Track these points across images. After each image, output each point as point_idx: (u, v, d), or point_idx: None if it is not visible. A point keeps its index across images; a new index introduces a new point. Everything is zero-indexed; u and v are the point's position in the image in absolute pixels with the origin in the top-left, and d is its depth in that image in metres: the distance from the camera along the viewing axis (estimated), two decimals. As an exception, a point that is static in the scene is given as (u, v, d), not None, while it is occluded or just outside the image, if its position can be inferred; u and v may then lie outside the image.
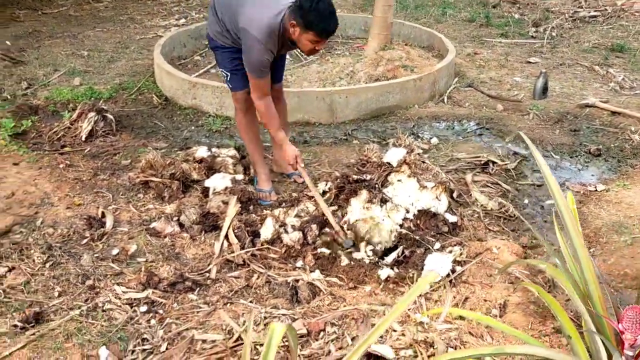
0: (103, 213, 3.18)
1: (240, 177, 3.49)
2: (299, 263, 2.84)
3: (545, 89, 4.87)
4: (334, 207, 3.18)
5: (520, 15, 7.47)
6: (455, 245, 2.88)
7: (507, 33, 6.81)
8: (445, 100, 4.90)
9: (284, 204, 3.31)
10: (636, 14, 7.11)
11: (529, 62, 5.85)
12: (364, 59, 5.23)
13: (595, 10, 7.28)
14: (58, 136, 4.11)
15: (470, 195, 3.33)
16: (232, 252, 2.88)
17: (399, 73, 4.95)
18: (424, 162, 3.42)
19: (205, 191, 3.38)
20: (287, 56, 5.60)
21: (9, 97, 4.85)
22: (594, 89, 5.11)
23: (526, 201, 3.43)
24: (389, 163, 3.31)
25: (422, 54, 5.51)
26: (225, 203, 3.22)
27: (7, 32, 6.72)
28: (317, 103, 4.50)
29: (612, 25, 6.86)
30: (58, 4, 8.31)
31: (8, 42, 6.22)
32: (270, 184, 3.48)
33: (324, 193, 3.27)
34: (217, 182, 3.41)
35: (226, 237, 2.96)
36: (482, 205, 3.25)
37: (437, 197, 3.09)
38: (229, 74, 3.21)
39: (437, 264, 2.65)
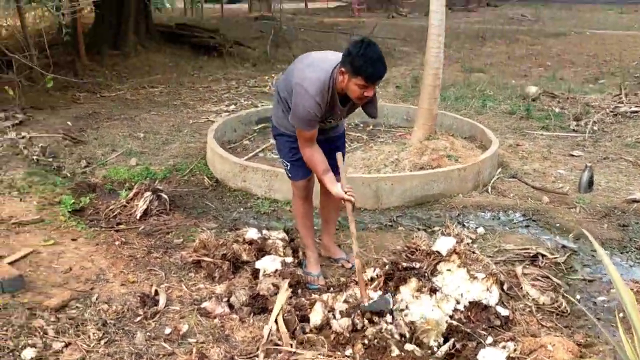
0: (156, 291, 3.25)
1: (290, 259, 3.55)
2: (348, 351, 2.81)
3: (590, 183, 4.87)
4: (381, 293, 3.18)
5: (560, 109, 7.60)
6: (508, 340, 2.82)
7: (548, 126, 6.92)
8: (490, 190, 4.95)
9: (332, 288, 3.33)
10: (678, 110, 7.16)
11: (572, 155, 5.90)
12: (408, 147, 5.37)
13: (637, 106, 7.36)
14: (114, 214, 4.28)
15: (521, 288, 3.29)
16: (281, 337, 2.88)
17: (443, 162, 5.05)
18: (473, 252, 3.42)
19: (255, 273, 3.44)
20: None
21: (68, 174, 5.11)
22: (640, 184, 5.10)
23: (578, 296, 3.36)
24: (438, 252, 3.33)
25: (465, 144, 5.63)
26: (275, 286, 3.26)
27: (68, 113, 7.17)
28: (362, 189, 4.59)
29: (654, 121, 6.92)
30: (116, 88, 8.87)
31: (69, 123, 6.63)
32: (319, 268, 3.53)
33: (372, 279, 3.29)
34: (268, 264, 3.46)
35: (275, 321, 2.97)
36: (533, 299, 3.21)
37: (488, 289, 3.07)
38: (289, 164, 3.36)
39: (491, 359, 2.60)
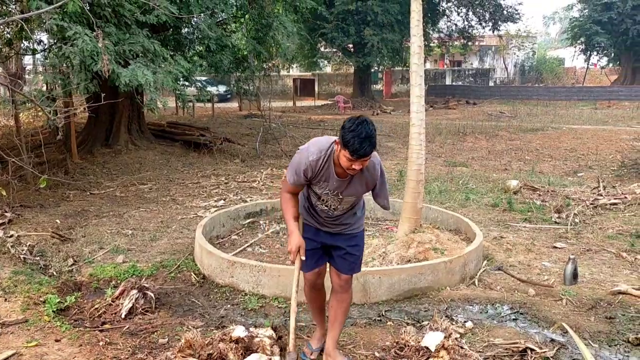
0: (140, 394, 3.16)
1: (276, 358, 3.49)
2: None
3: (575, 275, 4.93)
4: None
5: (541, 202, 7.80)
6: None
7: (531, 218, 7.07)
8: (477, 282, 4.98)
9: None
10: (656, 202, 7.37)
11: (556, 247, 5.99)
12: (395, 240, 5.44)
13: (616, 198, 7.58)
14: (99, 312, 4.23)
15: (512, 384, 3.25)
16: None
17: (429, 255, 5.11)
18: (462, 347, 3.40)
19: (242, 373, 3.36)
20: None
21: (55, 273, 5.08)
22: (624, 275, 5.15)
23: (570, 392, 3.32)
24: (427, 347, 3.31)
25: (450, 237, 5.71)
26: (260, 387, 3.19)
27: (57, 211, 7.22)
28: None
29: (633, 213, 7.09)
30: (106, 186, 9.00)
31: (58, 221, 6.66)
32: (319, 345, 3.67)
33: (361, 378, 3.23)
34: (254, 363, 3.40)
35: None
36: (524, 395, 3.16)
37: (478, 386, 3.02)
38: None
39: None
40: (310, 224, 3.48)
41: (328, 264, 3.58)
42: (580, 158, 12.15)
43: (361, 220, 3.53)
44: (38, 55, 13.06)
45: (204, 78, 22.53)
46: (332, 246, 3.47)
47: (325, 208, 3.33)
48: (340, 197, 3.26)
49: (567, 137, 14.91)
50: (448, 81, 39.29)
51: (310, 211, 3.44)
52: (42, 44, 11.62)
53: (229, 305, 4.55)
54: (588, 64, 38.33)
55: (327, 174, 3.17)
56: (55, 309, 4.21)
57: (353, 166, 2.99)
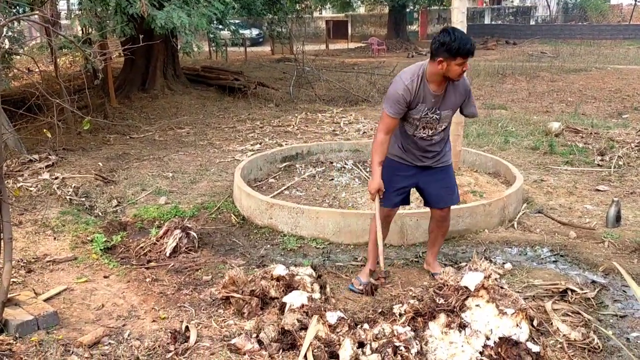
0: (187, 327, 3.30)
1: (317, 295, 3.57)
2: (378, 387, 2.80)
3: (618, 218, 4.84)
4: (410, 329, 3.18)
5: (584, 144, 7.59)
6: (540, 376, 2.78)
7: (573, 161, 6.90)
8: (516, 225, 4.94)
9: (363, 325, 3.33)
10: None
11: (598, 190, 5.86)
12: (432, 184, 5.40)
13: (662, 140, 7.32)
14: (144, 251, 4.38)
15: (552, 324, 3.26)
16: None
17: (468, 198, 5.07)
18: (501, 287, 3.40)
19: (283, 308, 3.46)
20: (357, 180, 5.86)
21: (100, 213, 5.25)
22: (669, 218, 5.04)
23: (610, 332, 3.31)
24: (466, 287, 3.31)
25: (489, 180, 5.65)
26: (300, 321, 3.28)
27: (99, 155, 7.39)
28: (388, 225, 4.62)
29: (680, 155, 6.86)
30: (144, 130, 9.13)
31: (100, 164, 6.83)
32: (368, 279, 3.83)
33: (400, 315, 3.29)
34: (295, 299, 3.49)
35: (305, 357, 2.99)
36: (564, 335, 3.17)
37: (517, 325, 3.04)
38: (385, 192, 3.62)
39: (524, 395, 2.56)
40: (406, 162, 3.67)
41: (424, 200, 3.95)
42: (625, 99, 11.69)
43: (450, 153, 3.77)
44: (73, 0, 13.07)
45: (236, 21, 22.24)
46: (426, 184, 3.73)
47: (424, 134, 3.54)
48: (438, 112, 3.46)
49: (612, 78, 14.32)
50: (487, 20, 37.83)
51: (407, 146, 3.62)
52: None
53: (268, 246, 4.64)
54: (636, 1, 36.25)
55: (424, 94, 3.40)
56: (102, 248, 4.38)
57: (463, 69, 3.27)
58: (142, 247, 4.43)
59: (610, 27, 31.89)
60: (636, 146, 7.27)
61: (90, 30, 9.20)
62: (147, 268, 4.13)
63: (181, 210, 5.23)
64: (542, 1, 41.64)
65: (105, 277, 3.99)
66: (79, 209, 5.29)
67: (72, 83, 9.73)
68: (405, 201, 3.86)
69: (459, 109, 3.62)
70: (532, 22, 38.53)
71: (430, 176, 3.71)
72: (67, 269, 4.08)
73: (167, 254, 4.32)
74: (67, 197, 5.45)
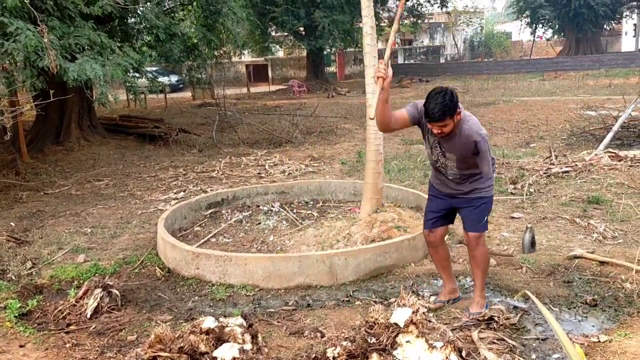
0: (112, 393, 3.12)
1: (248, 346, 3.50)
2: None
3: (533, 243, 5.10)
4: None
5: (497, 174, 7.99)
6: (472, 406, 2.84)
7: (488, 191, 7.23)
8: (440, 257, 5.07)
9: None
10: (605, 167, 7.66)
11: (513, 217, 6.17)
12: (358, 221, 5.50)
13: (567, 166, 7.85)
14: (63, 314, 4.14)
15: (479, 353, 3.35)
16: None
17: (393, 233, 5.19)
18: (429, 321, 3.48)
19: (214, 363, 3.36)
20: (285, 222, 5.87)
21: (13, 277, 4.93)
22: (578, 241, 5.36)
23: (533, 356, 3.44)
24: (396, 324, 3.36)
25: (412, 214, 5.81)
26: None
27: (11, 214, 7.00)
28: (317, 266, 4.64)
29: (584, 179, 7.36)
30: (60, 184, 8.75)
31: (12, 224, 6.46)
32: (444, 298, 4.18)
33: (333, 359, 3.28)
34: (225, 352, 3.40)
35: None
36: (492, 362, 3.26)
37: (447, 358, 3.10)
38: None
39: None
40: (436, 185, 3.99)
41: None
42: (532, 129, 12.50)
43: (481, 188, 3.81)
44: (-23, 53, 12.48)
45: (154, 68, 22.03)
46: (456, 208, 3.96)
47: (439, 166, 3.81)
48: (442, 151, 3.71)
49: (518, 110, 15.29)
50: (400, 60, 39.63)
51: (434, 172, 3.96)
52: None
53: (196, 297, 4.52)
54: (534, 37, 39.30)
55: (429, 128, 3.64)
56: (17, 314, 4.09)
57: (434, 131, 3.54)
58: (60, 310, 4.18)
59: (513, 62, 34.29)
60: (544, 173, 7.74)
61: (-3, 85, 8.81)
62: (67, 332, 3.89)
63: (102, 268, 5.01)
64: (450, 40, 44.22)
65: (21, 346, 3.72)
66: (-11, 274, 4.95)
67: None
68: (437, 224, 4.06)
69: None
70: (442, 60, 40.76)
71: (456, 202, 3.91)
72: (-23, 342, 3.77)
73: (88, 316, 4.10)
74: (-24, 262, 5.09)
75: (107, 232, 6.12)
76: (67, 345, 3.68)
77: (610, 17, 35.01)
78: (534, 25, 36.82)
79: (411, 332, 3.29)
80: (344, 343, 3.36)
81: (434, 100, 3.44)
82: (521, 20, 37.82)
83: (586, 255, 4.81)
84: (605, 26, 36.83)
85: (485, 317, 3.80)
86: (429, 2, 31.88)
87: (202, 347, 3.49)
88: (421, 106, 3.61)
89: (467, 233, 3.93)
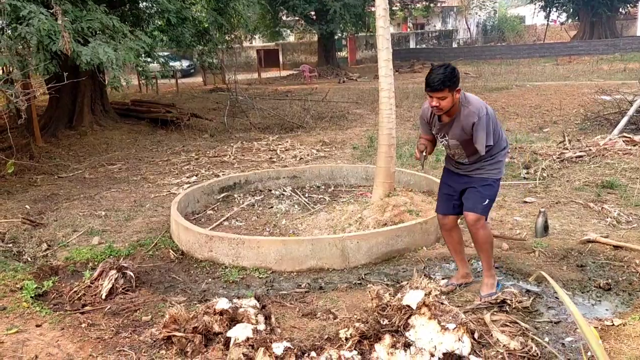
0: (128, 372, 3.17)
1: (262, 327, 3.52)
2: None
3: (546, 227, 5.08)
4: (357, 352, 3.19)
5: (510, 159, 7.94)
6: (484, 387, 2.85)
7: (501, 175, 7.20)
8: (452, 241, 5.07)
9: (310, 353, 3.31)
10: (619, 152, 7.58)
11: (526, 202, 6.14)
12: (370, 205, 5.50)
13: (581, 151, 7.77)
14: (79, 295, 4.19)
15: (492, 335, 3.36)
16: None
17: (405, 217, 5.19)
18: (442, 303, 3.48)
19: (228, 343, 3.39)
20: (297, 206, 5.88)
21: (29, 259, 5.00)
22: (592, 225, 5.33)
23: (546, 339, 3.45)
24: (408, 306, 3.38)
25: (424, 198, 5.80)
26: (246, 355, 3.23)
27: (26, 197, 7.06)
28: (329, 249, 4.65)
29: (598, 164, 7.29)
30: (73, 168, 8.82)
31: (27, 206, 6.53)
32: (457, 282, 4.19)
33: (346, 339, 3.30)
34: (239, 332, 3.43)
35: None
36: (504, 345, 3.27)
37: (459, 339, 3.12)
38: None
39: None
40: (448, 168, 4.06)
41: None
42: (545, 114, 12.37)
43: (487, 169, 3.85)
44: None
45: (166, 53, 22.00)
46: (464, 189, 3.95)
47: (449, 153, 3.93)
48: (447, 139, 3.79)
49: (531, 94, 15.13)
50: (412, 44, 39.26)
51: (446, 157, 4.07)
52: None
53: (210, 279, 4.56)
54: (548, 21, 38.74)
55: (434, 120, 3.83)
56: (33, 295, 4.16)
57: (432, 103, 3.63)
58: (75, 292, 4.23)
59: (526, 47, 33.85)
60: (557, 158, 7.68)
61: (11, 69, 8.86)
62: (82, 313, 3.95)
63: (116, 250, 5.06)
64: (463, 24, 43.70)
65: (37, 325, 3.77)
66: (6, 255, 5.01)
67: (-6, 124, 9.30)
68: (451, 210, 4.06)
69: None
70: (455, 45, 40.33)
71: (466, 183, 3.93)
72: (-5, 321, 3.84)
73: (103, 297, 4.15)
74: (-7, 244, 5.16)
75: (121, 215, 6.17)
76: (83, 325, 3.74)
77: (626, 1, 34.40)
78: (548, 8, 36.29)
79: (424, 314, 3.30)
80: (357, 324, 3.38)
81: (436, 71, 3.55)
82: (535, 4, 37.29)
83: (600, 239, 4.78)
84: (620, 10, 36.20)
85: (498, 300, 3.81)
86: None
87: (216, 327, 3.53)
88: (422, 111, 3.92)
89: (465, 214, 3.90)
